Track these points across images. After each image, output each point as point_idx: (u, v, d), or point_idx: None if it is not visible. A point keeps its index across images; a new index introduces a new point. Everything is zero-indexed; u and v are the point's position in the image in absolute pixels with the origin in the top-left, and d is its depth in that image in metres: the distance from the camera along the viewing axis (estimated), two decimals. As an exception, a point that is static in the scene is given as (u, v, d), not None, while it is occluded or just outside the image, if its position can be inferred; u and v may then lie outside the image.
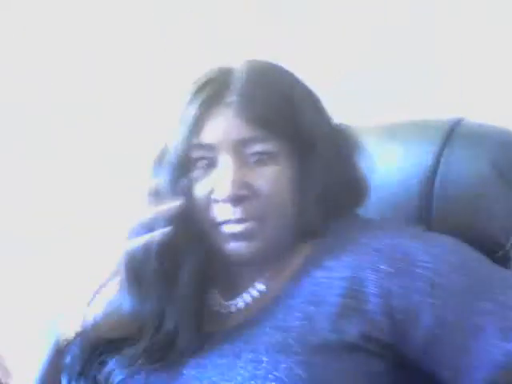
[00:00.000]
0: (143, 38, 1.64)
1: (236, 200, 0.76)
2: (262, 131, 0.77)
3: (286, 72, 0.83)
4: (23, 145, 1.67)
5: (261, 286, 0.81)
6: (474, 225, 0.88)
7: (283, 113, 0.78)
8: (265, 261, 0.80)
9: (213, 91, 0.79)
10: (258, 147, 0.77)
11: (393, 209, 0.92)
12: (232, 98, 0.77)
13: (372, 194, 0.84)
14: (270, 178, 0.77)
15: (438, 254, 0.74)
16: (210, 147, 0.78)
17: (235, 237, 0.77)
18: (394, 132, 0.97)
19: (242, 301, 0.81)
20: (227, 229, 0.78)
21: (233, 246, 0.78)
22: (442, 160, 0.89)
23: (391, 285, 0.72)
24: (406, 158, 0.92)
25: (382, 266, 0.73)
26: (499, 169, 0.88)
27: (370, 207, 0.91)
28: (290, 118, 0.79)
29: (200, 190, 0.79)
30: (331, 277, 0.75)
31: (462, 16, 1.33)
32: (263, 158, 0.77)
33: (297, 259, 0.80)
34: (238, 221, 0.77)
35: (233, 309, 0.82)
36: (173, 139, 0.81)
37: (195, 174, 0.79)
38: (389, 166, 0.93)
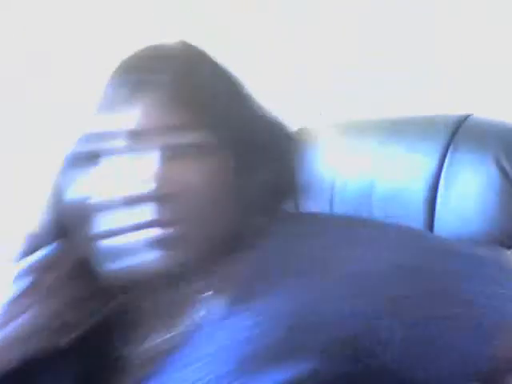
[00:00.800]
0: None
1: (160, 198, 0.62)
2: (194, 118, 0.65)
3: (217, 61, 0.71)
4: None
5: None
6: (478, 225, 0.87)
7: (218, 100, 0.67)
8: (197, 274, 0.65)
9: (139, 72, 0.67)
10: (188, 136, 0.65)
11: (397, 207, 0.91)
12: (161, 80, 0.66)
13: (376, 191, 0.83)
14: (201, 172, 0.64)
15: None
16: (132, 134, 0.64)
17: (156, 244, 0.62)
18: (399, 128, 0.97)
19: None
20: (145, 234, 0.62)
21: (153, 256, 0.62)
22: (447, 157, 0.88)
23: None
24: (411, 155, 0.92)
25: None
26: (504, 168, 0.87)
27: (375, 205, 0.92)
28: (225, 106, 0.67)
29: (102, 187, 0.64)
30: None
31: (467, 11, 1.33)
32: (194, 150, 0.65)
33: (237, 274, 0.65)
34: (161, 223, 0.62)
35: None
36: (89, 126, 0.67)
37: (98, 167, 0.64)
38: (394, 162, 0.92)
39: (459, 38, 1.35)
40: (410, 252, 0.64)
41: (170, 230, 0.62)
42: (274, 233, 0.66)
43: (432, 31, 1.38)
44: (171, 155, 0.64)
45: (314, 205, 0.98)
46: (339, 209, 0.96)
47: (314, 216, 0.75)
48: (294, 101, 1.88)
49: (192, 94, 0.66)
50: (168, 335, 0.65)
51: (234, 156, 0.66)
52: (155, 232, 0.62)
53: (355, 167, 0.96)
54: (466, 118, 0.91)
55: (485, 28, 1.33)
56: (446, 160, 0.88)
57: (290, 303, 0.59)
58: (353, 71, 1.44)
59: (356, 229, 0.68)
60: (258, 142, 0.68)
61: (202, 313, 0.64)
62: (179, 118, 0.65)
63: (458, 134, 0.89)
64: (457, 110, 0.95)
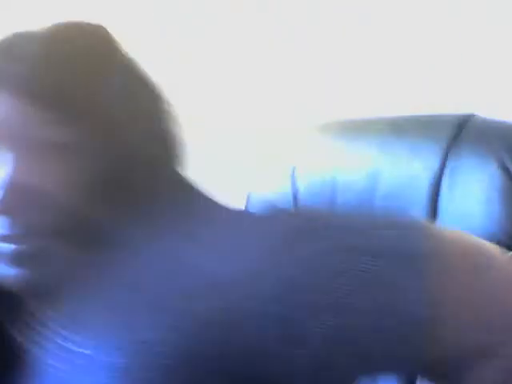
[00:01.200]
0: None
1: (8, 210, 0.55)
2: (56, 113, 0.57)
3: (99, 43, 0.62)
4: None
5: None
6: (480, 224, 0.87)
7: (81, 92, 0.58)
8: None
9: None
10: (48, 133, 0.56)
11: (399, 206, 0.91)
12: (18, 70, 0.57)
13: (379, 190, 0.83)
14: (60, 176, 0.56)
15: None
16: None
17: (9, 260, 0.55)
18: (401, 127, 0.96)
19: None
20: None
21: (8, 272, 0.55)
22: (450, 157, 0.88)
23: None
24: (414, 154, 0.91)
25: None
26: (507, 167, 0.87)
27: (377, 204, 0.92)
28: (90, 98, 0.59)
29: None
30: None
31: (469, 10, 1.33)
32: (53, 150, 0.56)
33: None
34: (11, 239, 0.55)
35: None
36: None
37: None
38: (396, 161, 0.92)
39: (461, 37, 1.35)
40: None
41: (21, 246, 0.55)
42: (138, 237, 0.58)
43: (433, 30, 1.38)
44: (27, 156, 0.56)
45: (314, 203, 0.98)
46: (340, 206, 0.96)
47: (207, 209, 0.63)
48: (300, 100, 1.90)
49: (51, 86, 0.57)
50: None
51: (99, 156, 0.58)
52: (7, 248, 0.55)
53: (358, 166, 0.96)
54: (469, 117, 0.91)
55: (487, 27, 1.33)
56: (449, 159, 0.88)
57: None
58: (354, 70, 1.44)
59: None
60: (128, 146, 0.60)
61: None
62: (37, 114, 0.56)
63: (460, 134, 0.89)
64: (459, 110, 0.95)
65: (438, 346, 0.54)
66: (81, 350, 0.54)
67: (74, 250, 0.56)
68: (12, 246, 0.55)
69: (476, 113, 0.93)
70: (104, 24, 0.64)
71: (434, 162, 0.89)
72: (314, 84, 1.52)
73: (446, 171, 0.88)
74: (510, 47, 1.28)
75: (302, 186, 0.99)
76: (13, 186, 0.55)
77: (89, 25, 0.63)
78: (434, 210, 0.89)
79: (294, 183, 1.00)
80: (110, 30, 0.63)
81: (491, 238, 0.85)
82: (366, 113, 1.03)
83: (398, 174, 0.92)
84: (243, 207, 1.03)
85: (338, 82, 1.44)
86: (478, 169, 0.88)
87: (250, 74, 1.81)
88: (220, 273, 0.54)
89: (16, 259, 0.55)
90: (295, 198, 1.00)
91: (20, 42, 0.60)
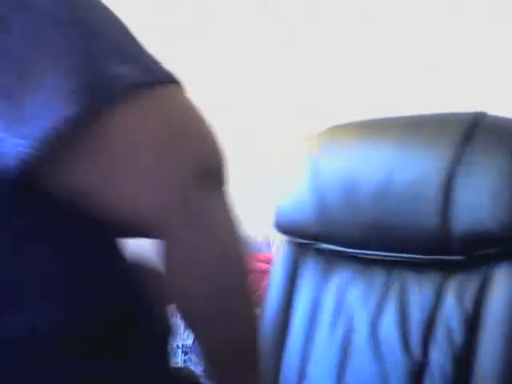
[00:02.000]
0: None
1: None
2: None
3: None
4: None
5: None
6: (491, 218, 0.89)
7: None
8: None
9: None
10: None
11: (413, 201, 0.94)
12: None
13: (394, 184, 0.86)
14: None
15: None
16: None
17: None
18: (416, 125, 0.99)
19: None
20: None
21: None
22: (463, 154, 0.91)
23: None
24: (428, 151, 0.94)
25: None
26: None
27: (391, 199, 0.95)
28: None
29: None
30: None
31: (484, 9, 1.34)
32: None
33: None
34: None
35: None
36: None
37: None
38: (410, 158, 0.95)
39: (475, 39, 1.36)
40: None
41: None
42: None
43: (445, 31, 1.39)
44: None
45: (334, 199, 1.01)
46: (358, 202, 0.99)
47: None
48: (320, 100, 1.91)
49: None
50: None
51: None
52: None
53: (376, 163, 0.99)
54: (482, 115, 0.94)
55: (498, 27, 1.34)
56: (462, 155, 0.91)
57: None
58: (365, 71, 1.45)
59: None
60: None
61: None
62: None
63: (473, 132, 0.91)
64: (472, 109, 0.96)
65: None
66: None
67: None
68: None
69: (488, 111, 0.95)
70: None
71: (447, 158, 0.91)
72: (336, 88, 1.54)
73: (460, 167, 0.91)
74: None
75: (324, 182, 1.03)
76: None
77: None
78: (447, 203, 0.91)
79: (315, 180, 1.04)
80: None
81: (502, 230, 0.89)
82: (382, 113, 1.05)
83: (413, 169, 0.95)
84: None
85: (356, 86, 1.46)
86: (490, 164, 0.90)
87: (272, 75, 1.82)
88: None
89: None
90: (317, 193, 1.04)
91: None
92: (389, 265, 0.99)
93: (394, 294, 0.97)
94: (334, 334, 1.01)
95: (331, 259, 1.05)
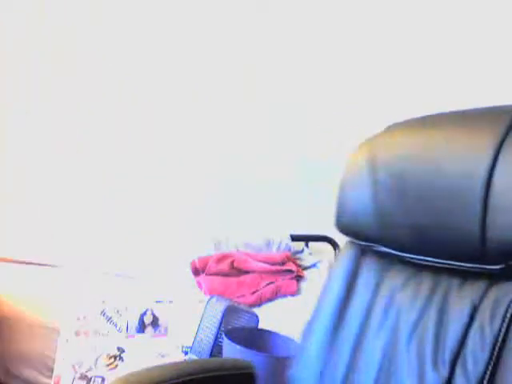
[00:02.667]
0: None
1: None
2: None
3: None
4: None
5: None
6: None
7: None
8: None
9: None
10: None
11: (452, 196, 0.88)
12: None
13: (439, 178, 0.85)
14: None
15: None
16: None
17: None
18: (459, 119, 0.93)
19: None
20: None
21: None
22: (503, 149, 0.83)
23: None
24: (469, 146, 0.87)
25: None
26: None
27: (428, 194, 0.91)
28: None
29: None
30: None
31: None
32: None
33: None
34: None
35: None
36: None
37: None
38: (453, 152, 0.90)
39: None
40: None
41: None
42: None
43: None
44: None
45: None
46: (408, 206, 0.96)
47: None
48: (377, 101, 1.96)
49: None
50: None
51: None
52: None
53: (423, 158, 0.94)
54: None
55: None
56: (503, 147, 0.84)
57: None
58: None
59: None
60: None
61: None
62: None
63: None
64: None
65: None
66: None
67: None
68: None
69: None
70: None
71: (488, 151, 0.84)
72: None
73: (499, 162, 0.83)
74: None
75: (380, 184, 1.00)
76: None
77: None
78: (486, 196, 0.84)
79: (374, 173, 1.02)
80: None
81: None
82: (430, 110, 1.00)
83: (456, 164, 0.89)
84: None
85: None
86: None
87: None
88: None
89: None
90: (375, 184, 1.01)
91: None
92: (437, 271, 0.94)
93: (436, 302, 0.92)
94: (379, 337, 0.98)
95: (387, 262, 1.02)
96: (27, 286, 1.91)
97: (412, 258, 0.98)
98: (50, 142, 2.33)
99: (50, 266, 2.06)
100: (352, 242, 1.09)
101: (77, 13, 2.23)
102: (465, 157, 0.87)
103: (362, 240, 1.05)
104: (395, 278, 1.00)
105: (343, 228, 1.09)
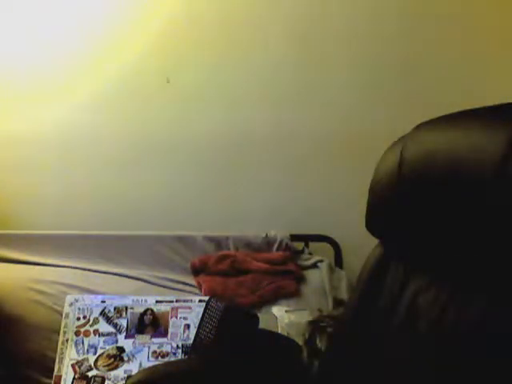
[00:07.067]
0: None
1: None
2: None
3: None
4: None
5: None
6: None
7: None
8: None
9: None
10: None
11: (465, 186, 0.89)
12: None
13: (457, 173, 0.86)
14: None
15: None
16: None
17: None
18: (477, 115, 0.94)
19: None
20: None
21: None
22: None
23: None
24: (482, 142, 0.88)
25: None
26: None
27: (455, 188, 0.90)
28: None
29: None
30: None
31: None
32: None
33: None
34: None
35: None
36: None
37: None
38: (466, 148, 0.90)
39: None
40: None
41: None
42: None
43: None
44: None
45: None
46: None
47: None
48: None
49: None
50: None
51: None
52: None
53: (443, 153, 0.95)
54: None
55: None
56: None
57: None
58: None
59: None
60: None
61: None
62: None
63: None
64: None
65: None
66: None
67: None
68: None
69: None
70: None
71: (501, 148, 0.84)
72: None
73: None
74: None
75: (411, 185, 1.00)
76: None
77: None
78: (498, 195, 0.84)
79: (401, 157, 1.02)
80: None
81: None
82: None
83: (473, 154, 0.89)
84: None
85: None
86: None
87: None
88: None
89: None
90: (400, 166, 1.01)
91: None
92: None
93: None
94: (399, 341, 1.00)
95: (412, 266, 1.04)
96: (27, 285, 1.91)
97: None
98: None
99: (50, 265, 2.06)
100: (381, 243, 1.11)
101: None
102: (480, 149, 0.87)
103: (390, 241, 1.07)
104: (418, 281, 1.01)
105: (372, 229, 1.11)
